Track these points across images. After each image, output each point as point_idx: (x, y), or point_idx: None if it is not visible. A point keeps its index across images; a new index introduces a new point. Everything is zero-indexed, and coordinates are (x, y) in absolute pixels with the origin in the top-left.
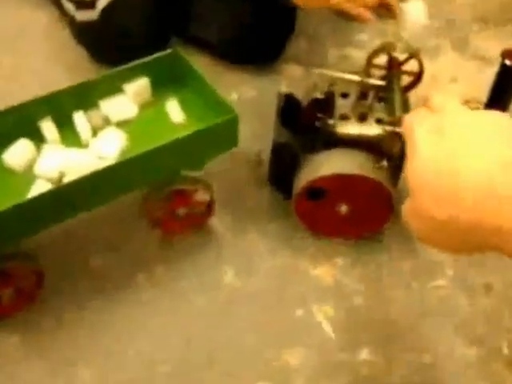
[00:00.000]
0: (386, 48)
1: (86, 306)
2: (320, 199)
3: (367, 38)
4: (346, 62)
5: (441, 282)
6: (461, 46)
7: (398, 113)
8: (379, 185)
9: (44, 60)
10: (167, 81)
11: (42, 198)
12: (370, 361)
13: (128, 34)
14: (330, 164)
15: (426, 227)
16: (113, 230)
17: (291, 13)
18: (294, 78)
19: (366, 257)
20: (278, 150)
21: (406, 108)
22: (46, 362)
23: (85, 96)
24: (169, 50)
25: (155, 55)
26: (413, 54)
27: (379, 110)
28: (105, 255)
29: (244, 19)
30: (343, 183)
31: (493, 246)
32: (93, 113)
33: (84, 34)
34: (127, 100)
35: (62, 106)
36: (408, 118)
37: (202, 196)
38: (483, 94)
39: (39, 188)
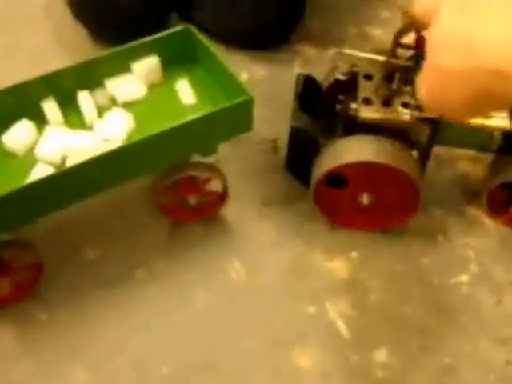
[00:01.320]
0: (413, 26)
1: (83, 300)
2: (341, 187)
3: (389, 16)
4: (366, 40)
5: (464, 278)
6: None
7: None
8: (406, 175)
9: (41, 38)
10: (178, 60)
11: (42, 182)
12: (387, 363)
13: (127, 11)
14: (352, 151)
15: (439, 84)
16: (114, 220)
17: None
18: (308, 59)
19: (384, 250)
20: (295, 136)
21: None
22: (39, 358)
23: (90, 75)
24: (180, 27)
25: (166, 32)
26: None
27: (406, 94)
28: (104, 247)
29: (251, 3)
30: (367, 172)
31: (506, 99)
32: (98, 92)
33: (82, 11)
34: (135, 79)
35: (66, 85)
36: None
37: (214, 184)
38: None
39: (40, 172)
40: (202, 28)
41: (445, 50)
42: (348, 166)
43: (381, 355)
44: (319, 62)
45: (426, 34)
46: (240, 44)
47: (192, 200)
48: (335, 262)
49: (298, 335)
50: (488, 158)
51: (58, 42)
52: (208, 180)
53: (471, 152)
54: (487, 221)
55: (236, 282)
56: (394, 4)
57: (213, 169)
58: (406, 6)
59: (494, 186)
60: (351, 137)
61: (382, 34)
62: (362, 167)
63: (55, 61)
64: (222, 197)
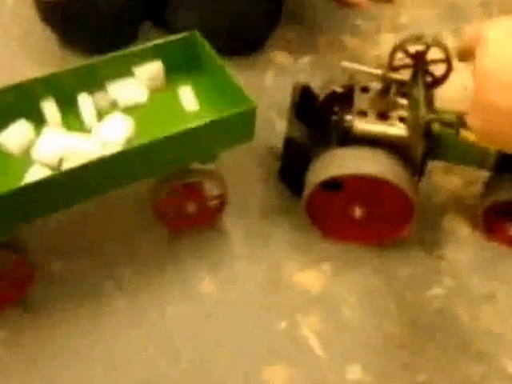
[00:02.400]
0: (411, 41)
1: (61, 311)
2: (336, 191)
3: (362, 24)
4: (340, 49)
5: (439, 291)
6: (462, 33)
7: (422, 110)
8: (400, 189)
9: (8, 44)
10: (182, 66)
11: (37, 185)
12: (361, 380)
13: (98, 16)
14: (346, 162)
15: (489, 121)
16: (103, 227)
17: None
18: (282, 66)
19: (358, 263)
20: (290, 145)
21: (430, 105)
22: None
23: (92, 77)
24: (186, 33)
25: (170, 37)
26: (441, 49)
27: (402, 107)
28: (70, 260)
29: (227, 7)
30: (360, 184)
31: None
32: (99, 95)
33: (52, 15)
34: (137, 84)
35: (66, 86)
36: (483, 24)
37: (213, 190)
38: None
39: (35, 173)
40: (176, 32)
41: (499, 91)
42: (342, 177)
43: (354, 372)
44: (293, 70)
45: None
46: (215, 50)
47: (190, 207)
48: (308, 275)
49: (269, 350)
50: (464, 169)
51: (26, 48)
52: (206, 187)
53: (443, 164)
54: (462, 233)
55: (207, 294)
56: (368, 13)
57: (212, 176)
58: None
59: (488, 204)
60: (346, 148)
61: (356, 43)
62: (355, 179)
63: (22, 68)
64: (221, 204)
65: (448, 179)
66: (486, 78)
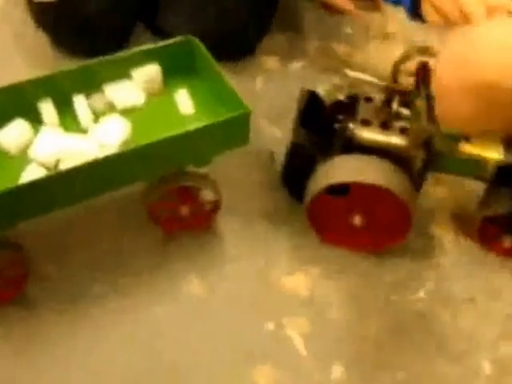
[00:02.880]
0: (415, 53)
1: (51, 309)
2: (341, 195)
3: (351, 31)
4: (329, 55)
5: (421, 295)
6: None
7: (423, 122)
8: (399, 199)
9: (0, 46)
10: (179, 69)
11: (32, 185)
12: (344, 379)
13: (89, 18)
14: (347, 171)
15: (449, 103)
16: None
17: (269, 5)
18: (271, 71)
19: (343, 267)
20: (295, 151)
21: (432, 117)
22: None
23: (89, 79)
24: (183, 37)
25: (168, 41)
26: None
27: (404, 118)
28: (62, 262)
29: (217, 11)
30: (360, 193)
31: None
32: (96, 97)
33: (44, 17)
34: (135, 86)
35: (64, 87)
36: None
37: (207, 194)
38: None
39: (32, 173)
40: (168, 36)
41: (446, 71)
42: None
43: (338, 372)
44: (283, 76)
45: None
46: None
47: (184, 210)
48: (295, 278)
49: (256, 352)
50: (451, 179)
51: (19, 50)
52: (200, 190)
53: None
54: (445, 239)
55: (195, 297)
56: (357, 21)
57: (206, 179)
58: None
59: (484, 216)
60: (348, 156)
61: (345, 50)
62: (355, 187)
63: (16, 70)
64: (215, 208)
65: (436, 188)
66: (439, 70)
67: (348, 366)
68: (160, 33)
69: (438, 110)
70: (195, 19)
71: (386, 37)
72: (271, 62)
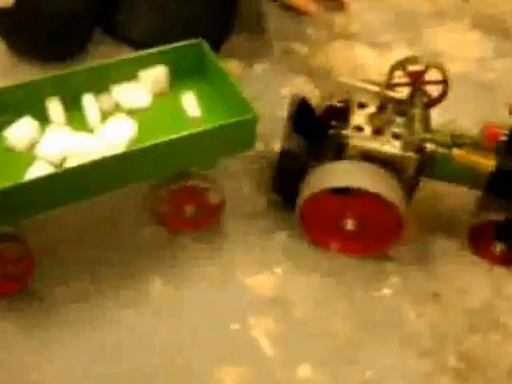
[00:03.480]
0: (409, 61)
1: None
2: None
3: (313, 32)
4: (290, 56)
5: (386, 291)
6: (415, 40)
7: (417, 129)
8: (392, 205)
9: None
10: (186, 72)
11: (38, 181)
12: (311, 378)
13: (46, 23)
14: (341, 175)
15: None
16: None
17: (230, 8)
18: (234, 74)
19: (308, 265)
20: (286, 157)
21: (426, 125)
22: None
23: (97, 79)
24: (192, 41)
25: (176, 44)
26: (439, 69)
27: (397, 125)
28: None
29: (179, 14)
30: (352, 197)
31: None
32: (104, 97)
33: (1, 25)
34: (142, 88)
35: (72, 86)
36: None
37: (211, 195)
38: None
39: (38, 170)
40: (128, 41)
41: None
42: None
43: (305, 371)
44: (246, 78)
45: None
46: None
47: (188, 210)
48: (259, 277)
49: (222, 352)
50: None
51: None
52: (205, 190)
53: None
54: (410, 236)
55: (159, 298)
56: (319, 21)
57: (211, 180)
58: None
59: (476, 223)
60: (341, 162)
61: (308, 51)
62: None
63: None
64: (218, 208)
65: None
66: None
67: (315, 364)
68: (120, 37)
69: None
70: (156, 23)
71: (348, 37)
72: (234, 65)
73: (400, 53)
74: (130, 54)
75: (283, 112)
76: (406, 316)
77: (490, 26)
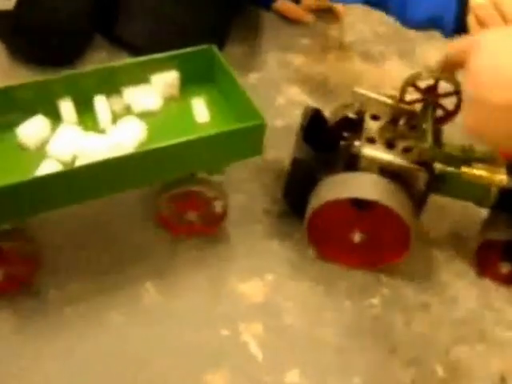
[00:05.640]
0: (423, 75)
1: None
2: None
3: (308, 43)
4: (285, 66)
5: (375, 300)
6: (407, 53)
7: (428, 143)
8: (400, 219)
9: None
10: (196, 77)
11: (48, 178)
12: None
13: (46, 26)
14: (352, 187)
15: (485, 118)
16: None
17: (226, 15)
18: None
19: (299, 274)
20: (297, 166)
21: (437, 139)
22: None
23: (109, 81)
24: (203, 46)
25: (188, 49)
26: (454, 85)
27: (409, 139)
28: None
29: (174, 21)
30: (362, 210)
31: None
32: (115, 99)
33: (0, 25)
34: (153, 91)
35: (84, 87)
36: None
37: (215, 203)
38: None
39: (48, 167)
40: (125, 44)
41: (493, 87)
42: (344, 201)
43: (293, 377)
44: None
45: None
46: None
47: (191, 215)
48: (250, 284)
49: (212, 358)
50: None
51: None
52: (210, 198)
53: None
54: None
55: (150, 304)
56: (314, 31)
57: (217, 188)
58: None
59: (482, 241)
60: (351, 173)
61: (302, 61)
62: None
63: None
64: (221, 217)
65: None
66: (480, 76)
67: (304, 371)
68: (118, 42)
69: (469, 123)
70: (150, 27)
71: (342, 47)
72: None
73: (393, 65)
74: (141, 58)
75: (277, 121)
76: (394, 325)
77: None
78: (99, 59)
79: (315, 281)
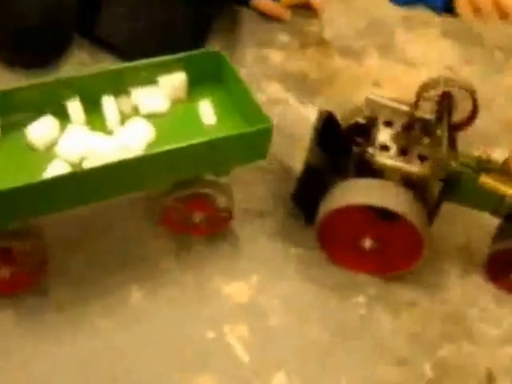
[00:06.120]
0: (439, 82)
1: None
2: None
3: (288, 39)
4: (265, 63)
5: (361, 299)
6: (387, 48)
7: (443, 151)
8: (413, 226)
9: None
10: (203, 79)
11: (57, 180)
12: None
13: (28, 30)
14: (365, 193)
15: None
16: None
17: (206, 13)
18: None
19: (284, 274)
20: (309, 171)
21: (453, 147)
22: None
23: (117, 82)
24: (210, 48)
25: (195, 51)
26: (469, 93)
27: (424, 146)
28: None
29: (154, 20)
30: (373, 216)
31: None
32: (122, 100)
33: None
34: (160, 93)
35: (92, 88)
36: None
37: (221, 204)
38: (405, 96)
39: (56, 168)
40: (106, 45)
41: None
42: (357, 206)
43: (280, 378)
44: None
45: None
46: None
47: (196, 217)
48: (234, 285)
49: (198, 360)
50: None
51: None
52: (217, 201)
53: None
54: None
55: (135, 307)
56: (293, 27)
57: (224, 190)
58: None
59: (494, 250)
60: (365, 179)
61: (281, 58)
62: (369, 210)
63: None
64: (226, 219)
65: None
66: None
67: (290, 372)
68: (98, 42)
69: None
70: (130, 27)
71: (321, 43)
72: None
73: (373, 60)
74: (149, 59)
75: None
76: (381, 324)
77: (457, 34)
78: (80, 61)
79: (300, 280)
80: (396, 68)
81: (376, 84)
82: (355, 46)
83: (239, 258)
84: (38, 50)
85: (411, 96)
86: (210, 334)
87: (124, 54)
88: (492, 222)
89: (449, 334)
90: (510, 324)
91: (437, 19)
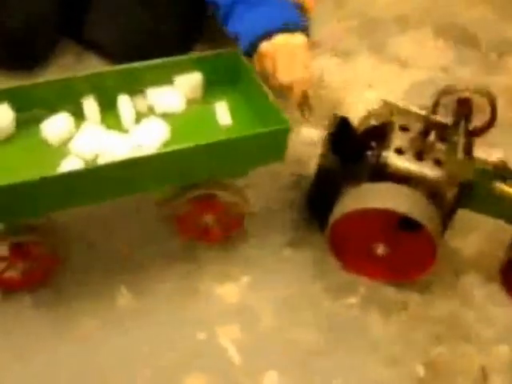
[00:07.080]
0: (457, 89)
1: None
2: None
3: None
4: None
5: (353, 300)
6: (379, 47)
7: (459, 157)
8: (427, 232)
9: None
10: (220, 80)
11: (71, 175)
12: None
13: (14, 33)
14: (378, 197)
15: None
16: None
17: (196, 18)
18: None
19: (275, 275)
20: (322, 175)
21: (469, 152)
22: None
23: (133, 81)
24: (228, 49)
25: (212, 52)
26: (488, 99)
27: (440, 151)
28: None
29: (142, 21)
30: (386, 221)
31: None
32: (138, 99)
33: None
34: (176, 92)
35: (108, 87)
36: None
37: (235, 209)
38: (398, 97)
39: (70, 164)
40: (95, 47)
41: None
42: (371, 211)
43: (271, 379)
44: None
45: None
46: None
47: (208, 219)
48: (225, 287)
49: (189, 361)
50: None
51: None
52: (230, 203)
53: None
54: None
55: (125, 308)
56: None
57: (238, 193)
58: None
59: (509, 259)
60: (379, 183)
61: None
62: (383, 215)
63: None
64: (238, 223)
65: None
66: None
67: (282, 372)
68: (87, 44)
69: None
70: (120, 28)
71: (312, 44)
72: None
73: (364, 59)
74: (165, 59)
75: None
76: (373, 324)
77: (451, 34)
78: (67, 63)
79: (291, 282)
80: (389, 69)
81: (369, 85)
82: (346, 46)
83: (231, 260)
84: (22, 53)
85: (404, 98)
86: (202, 335)
87: (112, 55)
88: (486, 223)
89: (441, 334)
90: (504, 323)
91: (431, 19)
